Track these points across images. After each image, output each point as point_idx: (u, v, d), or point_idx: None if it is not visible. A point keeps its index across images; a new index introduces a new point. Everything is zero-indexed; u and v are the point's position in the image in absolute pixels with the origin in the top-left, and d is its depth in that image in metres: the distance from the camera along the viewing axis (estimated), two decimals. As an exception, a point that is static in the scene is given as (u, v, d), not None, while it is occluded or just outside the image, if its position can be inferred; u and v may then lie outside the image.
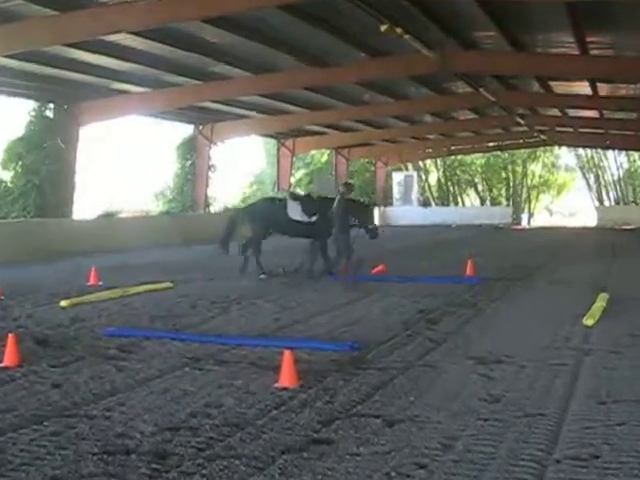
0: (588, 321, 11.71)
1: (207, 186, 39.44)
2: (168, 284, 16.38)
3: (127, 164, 61.93)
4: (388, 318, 12.41)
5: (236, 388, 7.99)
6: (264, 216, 18.67)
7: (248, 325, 11.89)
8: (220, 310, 13.30)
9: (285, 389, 7.89)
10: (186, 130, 39.85)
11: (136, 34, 21.35)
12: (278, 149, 46.84)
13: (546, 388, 7.98)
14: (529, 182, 72.42)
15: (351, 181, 20.73)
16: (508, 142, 57.95)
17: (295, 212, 18.41)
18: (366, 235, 17.69)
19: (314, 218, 18.17)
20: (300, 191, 24.54)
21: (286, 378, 8.06)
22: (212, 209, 39.91)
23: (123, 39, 22.09)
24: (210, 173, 39.77)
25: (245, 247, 18.86)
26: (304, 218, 18.26)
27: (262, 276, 17.90)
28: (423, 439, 6.37)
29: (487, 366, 8.92)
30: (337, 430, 6.62)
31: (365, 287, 16.19)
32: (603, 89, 32.33)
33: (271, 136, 46.71)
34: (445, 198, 69.51)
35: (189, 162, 39.39)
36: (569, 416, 7.02)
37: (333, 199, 17.27)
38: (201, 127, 38.54)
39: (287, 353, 8.16)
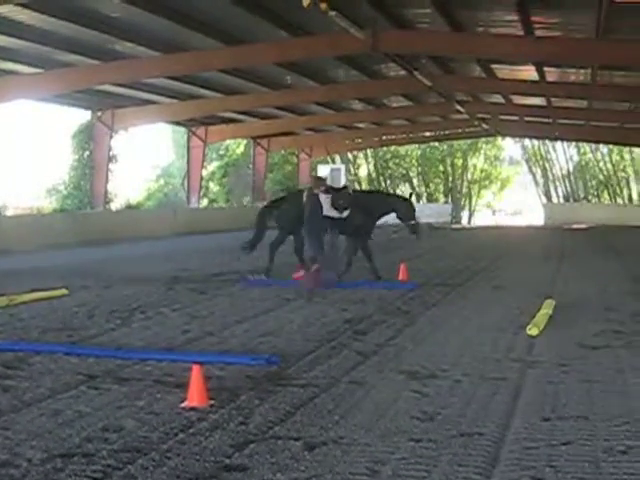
0: (532, 330, 11.89)
1: (107, 180, 39.02)
2: (62, 291, 16.20)
3: (15, 155, 60.98)
4: (311, 328, 12.45)
5: (138, 409, 7.93)
6: (290, 212, 18.61)
7: (153, 337, 11.82)
8: (121, 321, 13.20)
9: (193, 409, 7.86)
10: (83, 116, 39.46)
11: (24, 6, 21.01)
12: (188, 138, 46.64)
13: (485, 404, 8.08)
14: (470, 176, 73.24)
15: (322, 175, 20.77)
16: (446, 132, 58.69)
17: (324, 207, 18.20)
18: (407, 232, 18.62)
19: (345, 214, 18.12)
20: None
21: (195, 397, 8.03)
22: (113, 206, 39.56)
23: (9, 12, 21.75)
24: (111, 165, 39.37)
25: (273, 246, 19.23)
26: (333, 213, 18.07)
27: (259, 277, 18.79)
28: (348, 463, 6.40)
29: (420, 381, 9.01)
30: (252, 455, 6.61)
31: (286, 293, 16.22)
32: (551, 74, 32.91)
33: (181, 124, 46.48)
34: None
35: (87, 153, 38.98)
36: (509, 435, 7.13)
37: (371, 192, 18.01)
38: (100, 113, 38.12)
39: (196, 369, 8.13)
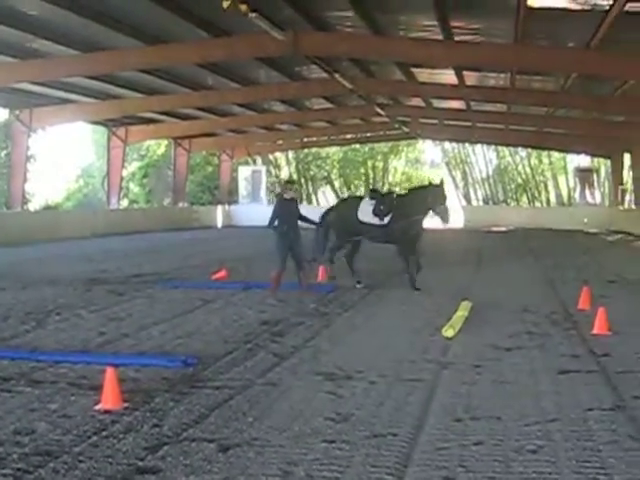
0: (448, 332, 12.02)
1: (25, 180, 38.47)
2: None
3: None
4: (228, 330, 12.43)
5: (51, 412, 7.87)
6: (339, 218, 18.31)
7: (69, 339, 11.69)
8: (37, 322, 13.04)
9: (108, 412, 7.83)
10: (1, 115, 38.93)
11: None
12: (109, 139, 46.14)
13: (399, 405, 8.16)
14: (391, 179, 73.73)
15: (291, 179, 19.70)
16: (368, 134, 58.90)
17: (365, 213, 17.84)
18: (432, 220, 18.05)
19: (386, 220, 17.60)
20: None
21: (109, 399, 7.99)
22: (31, 206, 39.03)
23: None
24: (29, 165, 38.84)
25: (331, 252, 18.71)
26: (374, 220, 17.68)
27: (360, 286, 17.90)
28: (261, 465, 6.43)
29: (336, 382, 9.07)
30: (165, 457, 6.61)
31: (204, 295, 16.18)
32: (470, 78, 33.28)
33: (101, 124, 46.01)
34: (298, 195, 70.03)
35: (4, 152, 38.43)
36: (422, 436, 7.21)
37: (409, 192, 18.28)
38: (18, 112, 37.52)
39: (110, 371, 8.08)
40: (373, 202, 17.81)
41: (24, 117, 37.54)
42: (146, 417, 7.69)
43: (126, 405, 7.99)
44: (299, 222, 16.15)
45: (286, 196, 16.19)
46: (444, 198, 17.48)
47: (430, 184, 18.01)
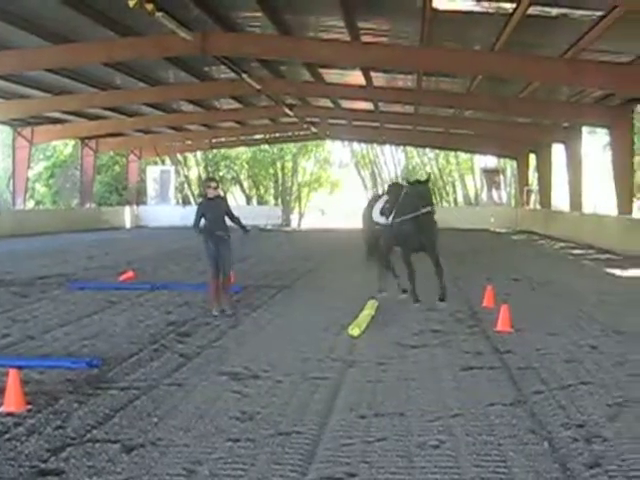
0: (353, 331, 12.12)
1: None
2: None
3: None
4: (134, 331, 12.37)
5: (-48, 414, 7.77)
6: (363, 221, 17.12)
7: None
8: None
9: (10, 414, 7.75)
10: None
11: None
12: (14, 139, 45.45)
13: (304, 403, 8.23)
14: (300, 179, 73.90)
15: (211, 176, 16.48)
16: (276, 135, 58.95)
17: (376, 212, 16.32)
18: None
19: (391, 219, 15.80)
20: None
21: (12, 402, 7.91)
22: None
23: None
24: None
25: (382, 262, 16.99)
26: (382, 220, 16.08)
27: (382, 294, 16.30)
28: (165, 465, 6.44)
29: (242, 382, 9.10)
30: (68, 458, 6.58)
31: (111, 297, 16.07)
32: (378, 79, 33.57)
33: (6, 123, 45.29)
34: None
35: None
36: (326, 432, 7.29)
37: (417, 192, 15.15)
38: None
39: (13, 373, 8.00)
40: (383, 198, 16.40)
41: None
42: (49, 419, 7.63)
43: (29, 407, 7.92)
44: (229, 222, 14.60)
45: (209, 195, 14.45)
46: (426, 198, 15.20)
47: (420, 181, 15.95)
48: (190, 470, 6.31)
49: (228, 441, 7.03)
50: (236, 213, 14.80)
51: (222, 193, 15.74)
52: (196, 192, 68.91)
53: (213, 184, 14.72)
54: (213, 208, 14.33)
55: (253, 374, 9.47)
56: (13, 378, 7.96)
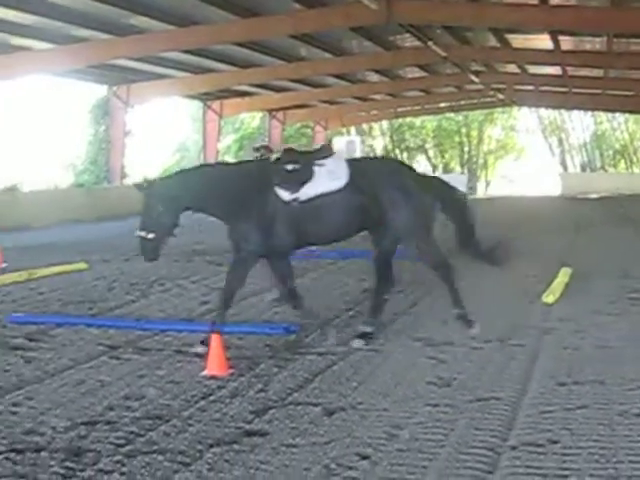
0: (548, 298, 11.96)
1: (123, 155, 39.07)
2: (81, 265, 16.31)
3: (31, 131, 61.05)
4: (329, 298, 12.52)
5: (159, 378, 8.07)
6: None
7: (172, 309, 11.94)
8: (140, 293, 13.31)
9: (214, 378, 8.00)
10: (99, 91, 39.46)
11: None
12: (204, 112, 46.58)
13: (501, 370, 8.19)
14: (485, 147, 73.07)
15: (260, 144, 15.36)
16: (462, 102, 58.38)
17: None
18: None
19: None
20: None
21: (215, 366, 8.15)
22: (129, 181, 39.55)
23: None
24: (126, 140, 39.41)
25: None
26: None
27: None
28: (366, 428, 6.52)
29: (437, 348, 9.11)
30: (271, 420, 6.74)
31: (302, 265, 16.27)
32: (566, 43, 32.70)
33: (196, 98, 46.42)
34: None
35: (102, 128, 39.04)
36: (526, 400, 7.23)
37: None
38: (115, 88, 38.10)
39: (215, 338, 8.25)
40: None
41: (121, 93, 38.10)
42: (251, 382, 7.84)
43: (231, 371, 8.15)
44: None
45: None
46: None
47: None
48: (391, 434, 6.36)
49: (427, 406, 7.05)
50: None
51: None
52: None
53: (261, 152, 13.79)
54: None
55: (448, 340, 9.46)
56: (216, 343, 8.19)
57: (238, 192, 9.42)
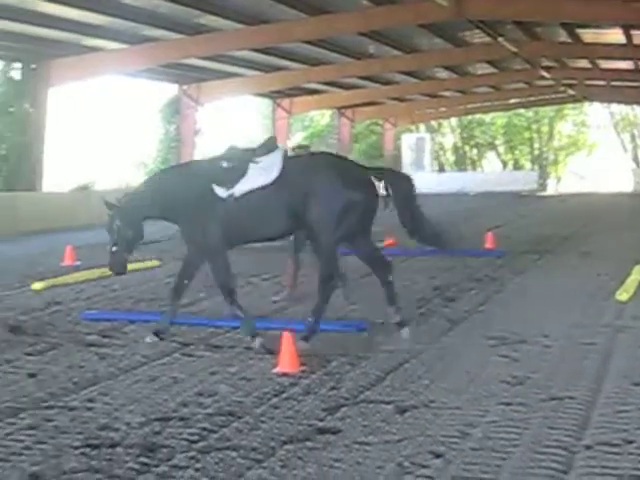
0: (622, 296, 11.80)
1: (193, 153, 39.34)
2: (154, 262, 16.47)
3: (103, 130, 61.69)
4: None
5: (231, 374, 8.13)
6: None
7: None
8: (212, 290, 13.36)
9: (285, 375, 8.03)
10: (169, 91, 39.81)
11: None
12: (273, 110, 46.79)
13: (574, 369, 8.10)
14: (556, 143, 72.33)
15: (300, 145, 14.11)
16: (532, 98, 57.89)
17: None
18: None
19: None
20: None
21: (286, 363, 8.18)
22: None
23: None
24: (197, 138, 39.71)
25: None
26: None
27: None
28: (439, 426, 6.50)
29: (509, 346, 9.04)
30: (344, 418, 6.75)
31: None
32: (638, 37, 32.24)
33: (265, 96, 46.62)
34: (462, 163, 69.42)
35: (173, 126, 39.36)
36: (600, 399, 7.15)
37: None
38: (186, 87, 38.44)
39: (287, 335, 8.27)
40: None
41: (192, 92, 38.42)
42: (323, 380, 7.85)
43: (303, 369, 8.17)
44: None
45: None
46: None
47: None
48: (464, 432, 6.33)
49: (500, 404, 7.01)
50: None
51: None
52: (451, 159, 68.80)
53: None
54: None
55: (520, 339, 9.38)
56: (287, 340, 8.22)
57: (184, 194, 9.59)
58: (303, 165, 9.84)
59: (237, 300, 9.55)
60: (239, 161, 9.55)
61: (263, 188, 9.37)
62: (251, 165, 9.52)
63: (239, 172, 9.47)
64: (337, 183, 9.32)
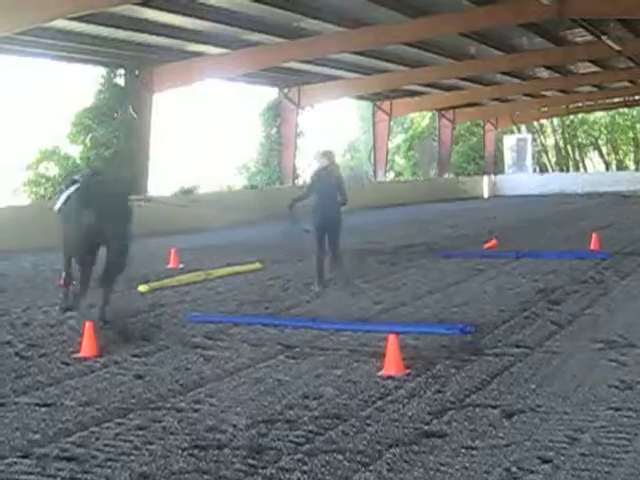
0: None
1: (295, 156, 39.61)
2: (257, 265, 16.60)
3: (206, 134, 62.41)
4: (503, 298, 12.39)
5: (336, 377, 8.13)
6: None
7: (346, 308, 12.00)
8: (315, 293, 13.43)
9: (390, 378, 8.00)
10: (270, 94, 40.10)
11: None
12: (373, 112, 46.83)
13: (685, 374, 7.92)
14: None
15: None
16: (636, 97, 56.80)
17: None
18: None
19: None
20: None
21: (391, 366, 8.16)
22: (301, 181, 39.98)
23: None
24: (298, 141, 39.93)
25: None
26: None
27: None
28: (546, 431, 6.40)
29: (617, 350, 8.87)
30: (450, 422, 6.70)
31: (477, 264, 16.17)
32: None
33: (366, 98, 46.65)
34: (564, 163, 68.45)
35: (274, 130, 39.62)
36: None
37: None
38: (287, 90, 38.73)
39: (392, 338, 8.24)
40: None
41: (292, 95, 38.70)
42: (428, 383, 7.81)
43: (408, 371, 8.13)
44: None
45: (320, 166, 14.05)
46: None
47: None
48: (572, 437, 6.23)
49: (609, 409, 6.87)
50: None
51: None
52: (553, 160, 67.92)
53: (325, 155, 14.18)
54: (324, 181, 13.94)
55: (629, 343, 9.20)
56: (392, 343, 8.20)
57: None
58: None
59: None
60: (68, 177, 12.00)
61: (63, 204, 11.30)
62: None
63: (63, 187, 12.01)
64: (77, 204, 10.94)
